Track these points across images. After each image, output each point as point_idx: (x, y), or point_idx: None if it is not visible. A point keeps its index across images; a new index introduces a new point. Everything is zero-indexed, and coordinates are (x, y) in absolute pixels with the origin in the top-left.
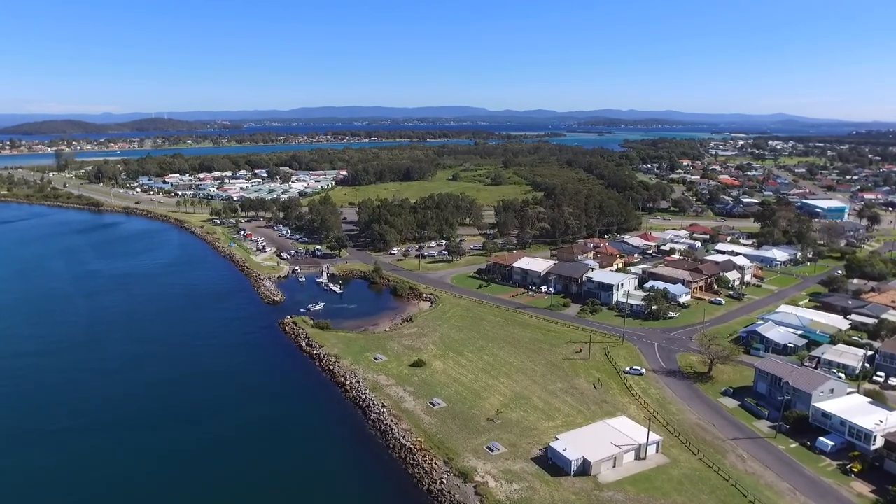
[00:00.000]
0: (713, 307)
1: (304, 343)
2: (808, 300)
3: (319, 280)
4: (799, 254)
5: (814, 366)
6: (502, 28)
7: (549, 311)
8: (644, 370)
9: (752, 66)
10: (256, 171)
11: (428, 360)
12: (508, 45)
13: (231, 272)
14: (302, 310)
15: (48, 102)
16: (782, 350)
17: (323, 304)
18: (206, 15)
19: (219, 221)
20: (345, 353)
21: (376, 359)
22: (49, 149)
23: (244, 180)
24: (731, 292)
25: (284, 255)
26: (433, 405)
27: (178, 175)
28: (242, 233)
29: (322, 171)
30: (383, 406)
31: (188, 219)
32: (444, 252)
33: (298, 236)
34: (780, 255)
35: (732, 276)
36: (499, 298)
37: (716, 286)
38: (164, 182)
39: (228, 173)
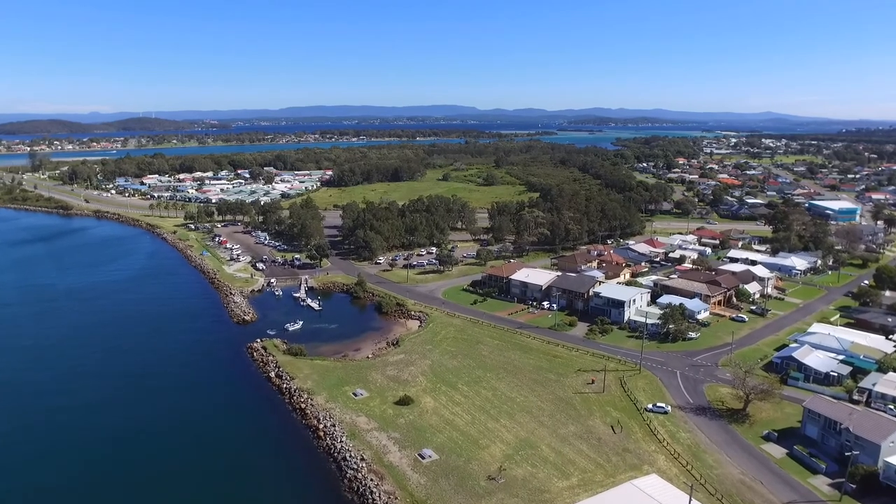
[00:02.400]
0: (735, 325)
1: (273, 374)
2: (838, 316)
3: (297, 294)
4: (819, 261)
5: (864, 399)
6: (492, 28)
7: (553, 331)
8: (669, 407)
9: (739, 64)
10: (239, 171)
11: (416, 395)
12: (499, 45)
13: (200, 285)
14: (270, 332)
15: (39, 102)
16: (824, 379)
17: (301, 322)
18: (196, 15)
19: (193, 226)
20: (319, 387)
21: (356, 394)
22: (28, 149)
23: (225, 181)
24: (753, 307)
25: (260, 265)
26: (422, 458)
27: (156, 176)
28: (217, 239)
29: (307, 172)
30: (362, 459)
31: (161, 223)
32: (434, 261)
33: (277, 243)
34: (799, 262)
35: (753, 288)
36: (496, 316)
37: (735, 300)
38: (142, 183)
39: (210, 174)
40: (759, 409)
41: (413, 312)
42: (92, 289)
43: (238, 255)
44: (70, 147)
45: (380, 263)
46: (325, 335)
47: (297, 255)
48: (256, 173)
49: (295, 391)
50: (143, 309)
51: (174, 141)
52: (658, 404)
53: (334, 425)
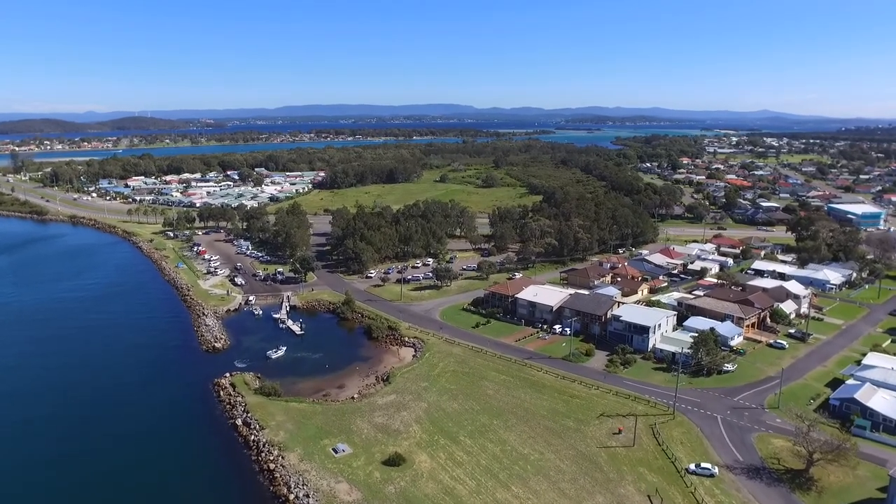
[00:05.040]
0: (774, 353)
1: (240, 421)
2: (890, 341)
3: (276, 315)
4: (855, 274)
5: None
6: (490, 27)
7: (567, 362)
8: (715, 469)
9: (736, 63)
10: (228, 172)
11: (409, 452)
12: (496, 44)
13: (171, 304)
14: (239, 364)
15: (35, 101)
16: (895, 428)
17: (284, 348)
18: (195, 14)
19: (172, 234)
20: (294, 441)
21: (336, 451)
22: (18, 149)
23: (213, 183)
24: (792, 330)
25: (239, 279)
26: None
27: (142, 178)
28: (196, 249)
29: (299, 173)
30: None
31: (139, 230)
32: (430, 274)
33: (260, 254)
34: (833, 276)
35: (788, 307)
36: (501, 343)
37: (769, 321)
38: (126, 186)
39: (198, 175)
40: (825, 470)
41: (407, 339)
42: (48, 307)
43: (216, 268)
44: (60, 147)
45: (371, 277)
46: (305, 367)
47: (280, 269)
48: (246, 175)
49: (264, 445)
50: (100, 333)
51: (166, 141)
52: (703, 465)
53: (308, 495)
